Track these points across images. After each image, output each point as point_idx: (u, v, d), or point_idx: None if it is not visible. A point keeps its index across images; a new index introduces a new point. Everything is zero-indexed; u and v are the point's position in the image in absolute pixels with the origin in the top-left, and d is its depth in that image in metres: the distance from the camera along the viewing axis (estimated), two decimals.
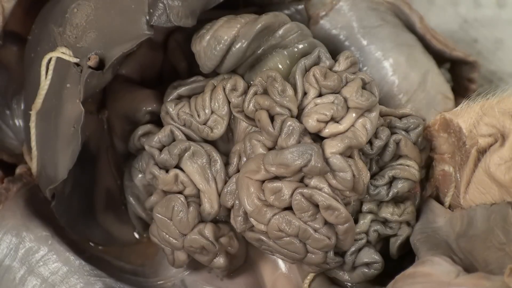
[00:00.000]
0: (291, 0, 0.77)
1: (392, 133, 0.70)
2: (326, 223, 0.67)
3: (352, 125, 0.67)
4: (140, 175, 0.75)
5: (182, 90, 0.73)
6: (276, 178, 0.67)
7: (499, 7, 0.89)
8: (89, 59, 0.69)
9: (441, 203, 0.72)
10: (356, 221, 0.70)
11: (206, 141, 0.72)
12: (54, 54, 0.71)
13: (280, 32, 0.70)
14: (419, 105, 0.76)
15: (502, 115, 0.67)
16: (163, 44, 0.78)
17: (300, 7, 0.78)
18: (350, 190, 0.67)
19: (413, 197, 0.73)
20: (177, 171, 0.71)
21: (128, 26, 0.70)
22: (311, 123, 0.67)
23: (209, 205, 0.71)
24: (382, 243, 0.72)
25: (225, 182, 0.71)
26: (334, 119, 0.67)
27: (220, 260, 0.72)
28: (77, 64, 0.70)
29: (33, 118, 0.74)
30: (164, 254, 0.74)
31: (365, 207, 0.71)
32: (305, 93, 0.68)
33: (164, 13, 0.69)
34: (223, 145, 0.72)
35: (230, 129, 0.72)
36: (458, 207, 0.70)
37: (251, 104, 0.68)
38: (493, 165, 0.66)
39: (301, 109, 0.68)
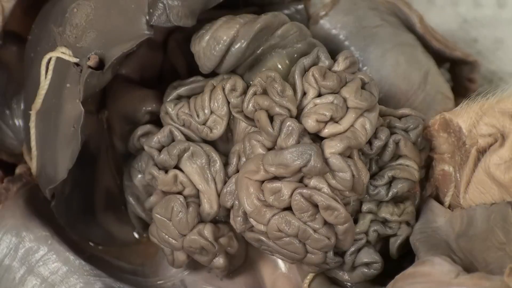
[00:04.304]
0: (290, 0, 0.77)
1: (392, 133, 0.70)
2: (325, 223, 0.67)
3: (352, 125, 0.67)
4: (139, 176, 0.75)
5: (181, 90, 0.73)
6: (276, 178, 0.67)
7: (499, 6, 0.89)
8: (89, 59, 0.69)
9: (441, 203, 0.72)
10: (355, 221, 0.70)
11: (205, 141, 0.72)
12: (54, 54, 0.71)
13: (279, 32, 0.70)
14: (419, 105, 0.76)
15: (502, 115, 0.67)
16: (163, 44, 0.78)
17: (300, 7, 0.78)
18: (349, 190, 0.67)
19: (412, 197, 0.73)
20: (177, 171, 0.71)
21: (128, 26, 0.70)
22: (311, 123, 0.67)
23: (209, 206, 0.71)
24: (382, 243, 0.72)
25: (225, 183, 0.71)
26: (333, 119, 0.67)
27: (220, 260, 0.72)
28: (77, 64, 0.70)
29: (33, 118, 0.74)
30: (163, 254, 0.74)
31: (365, 207, 0.71)
32: (304, 93, 0.68)
33: (164, 13, 0.69)
34: (223, 145, 0.72)
35: (229, 129, 0.72)
36: (458, 207, 0.70)
37: (250, 104, 0.68)
38: (493, 165, 0.66)
39: (300, 109, 0.68)
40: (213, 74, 0.72)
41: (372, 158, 0.70)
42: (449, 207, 0.71)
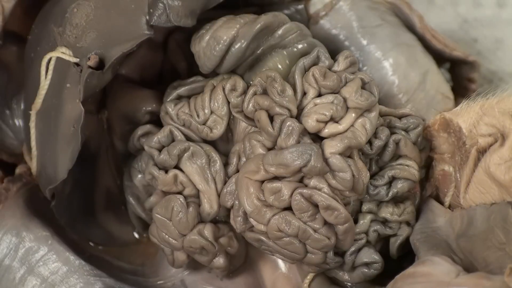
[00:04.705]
0: (290, 0, 0.77)
1: (392, 133, 0.70)
2: (325, 223, 0.67)
3: (352, 125, 0.67)
4: (139, 176, 0.75)
5: (181, 90, 0.73)
6: (276, 178, 0.67)
7: (499, 6, 0.89)
8: (89, 59, 0.69)
9: (441, 203, 0.72)
10: (355, 221, 0.70)
11: (205, 141, 0.72)
12: (54, 54, 0.71)
13: (280, 32, 0.70)
14: (419, 105, 0.76)
15: (502, 115, 0.67)
16: (163, 44, 0.78)
17: (300, 7, 0.78)
18: (349, 190, 0.67)
19: (413, 197, 0.73)
20: (177, 171, 0.71)
21: (128, 26, 0.70)
22: (311, 123, 0.67)
23: (209, 206, 0.71)
24: (382, 243, 0.72)
25: (225, 183, 0.71)
26: (333, 119, 0.67)
27: (220, 260, 0.72)
28: (77, 64, 0.70)
29: (33, 118, 0.74)
30: (163, 254, 0.74)
31: (365, 207, 0.71)
32: (304, 93, 0.68)
33: (164, 13, 0.69)
34: (223, 145, 0.72)
35: (229, 129, 0.72)
36: (458, 207, 0.70)
37: (250, 104, 0.68)
38: (493, 165, 0.66)
39: (300, 109, 0.68)
40: (213, 74, 0.72)
41: (372, 158, 0.70)
42: (449, 207, 0.71)
